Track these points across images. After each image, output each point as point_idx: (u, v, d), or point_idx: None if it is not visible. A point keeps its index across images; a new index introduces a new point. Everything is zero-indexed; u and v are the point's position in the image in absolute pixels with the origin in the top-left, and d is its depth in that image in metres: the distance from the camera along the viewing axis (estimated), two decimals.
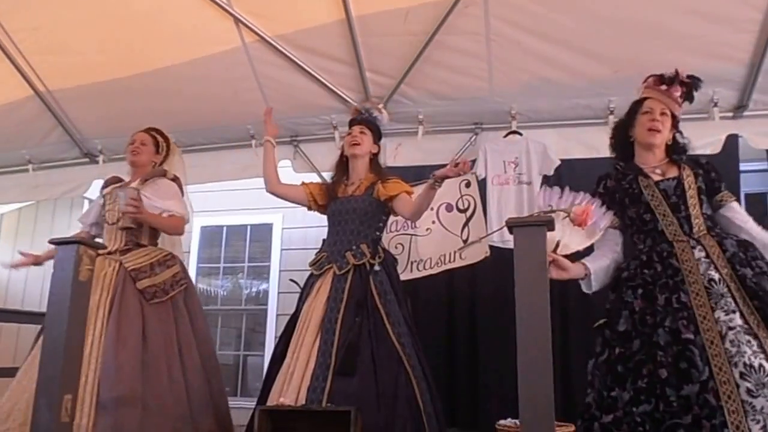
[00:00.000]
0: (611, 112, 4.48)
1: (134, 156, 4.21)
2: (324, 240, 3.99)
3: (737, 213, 3.15)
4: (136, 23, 4.51)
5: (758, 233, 3.08)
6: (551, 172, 4.57)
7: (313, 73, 4.73)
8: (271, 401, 3.36)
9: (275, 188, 4.18)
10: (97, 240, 4.14)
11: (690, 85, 3.24)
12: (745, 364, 2.58)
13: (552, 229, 2.47)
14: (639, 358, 2.76)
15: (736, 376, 2.57)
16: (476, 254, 4.53)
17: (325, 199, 4.02)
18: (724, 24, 3.95)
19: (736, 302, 2.74)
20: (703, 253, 2.91)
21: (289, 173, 5.25)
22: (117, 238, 4.02)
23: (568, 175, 4.66)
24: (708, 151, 4.21)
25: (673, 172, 3.14)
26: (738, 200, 3.25)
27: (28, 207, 7.25)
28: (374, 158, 4.06)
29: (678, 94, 3.22)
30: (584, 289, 3.12)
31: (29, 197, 6.18)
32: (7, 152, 5.71)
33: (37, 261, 4.24)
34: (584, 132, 4.61)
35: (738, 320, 2.70)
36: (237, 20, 4.48)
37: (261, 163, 5.19)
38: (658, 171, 3.17)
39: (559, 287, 3.82)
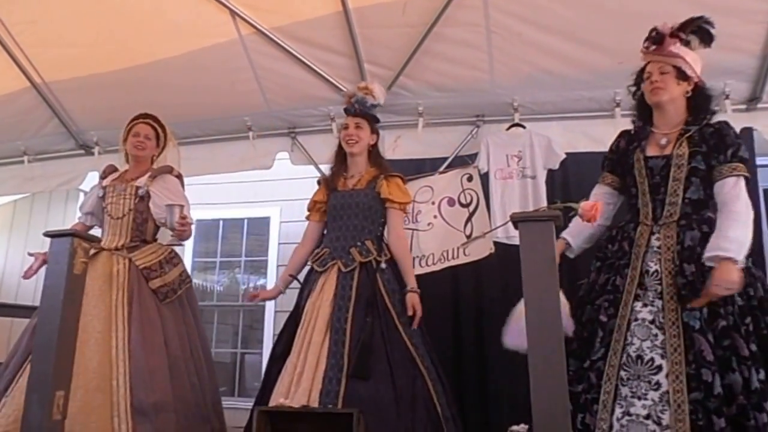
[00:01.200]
0: (617, 105, 4.39)
1: (140, 150, 4.14)
2: (323, 234, 3.88)
3: (718, 195, 2.96)
4: (133, 16, 4.47)
5: (724, 218, 2.88)
6: (557, 167, 4.46)
7: (310, 64, 4.65)
8: (275, 403, 3.22)
9: (308, 249, 3.93)
10: (95, 230, 4.13)
11: (687, 29, 3.11)
12: (628, 355, 2.81)
13: (559, 224, 2.39)
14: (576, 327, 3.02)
15: (622, 362, 2.82)
16: (480, 251, 4.42)
17: (324, 191, 3.89)
18: (733, 15, 3.83)
19: (662, 297, 2.85)
20: (658, 243, 2.97)
21: (286, 165, 5.25)
22: (122, 234, 3.97)
23: (575, 169, 4.60)
24: None
25: (671, 147, 3.06)
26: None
27: (23, 199, 7.19)
28: (374, 149, 3.91)
29: (673, 47, 3.10)
30: (568, 254, 3.30)
31: (24, 189, 6.13)
32: (3, 143, 5.65)
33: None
34: (590, 125, 4.51)
35: (647, 314, 2.85)
36: (233, 13, 4.42)
37: (257, 156, 5.21)
38: (663, 141, 3.11)
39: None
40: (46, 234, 3.01)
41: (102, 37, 4.60)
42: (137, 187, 4.04)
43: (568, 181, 4.68)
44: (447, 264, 4.49)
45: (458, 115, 4.80)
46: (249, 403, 3.43)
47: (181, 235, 3.92)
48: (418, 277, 4.14)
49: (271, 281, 6.84)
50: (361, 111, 3.87)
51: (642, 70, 3.23)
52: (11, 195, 6.57)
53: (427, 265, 4.50)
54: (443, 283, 4.70)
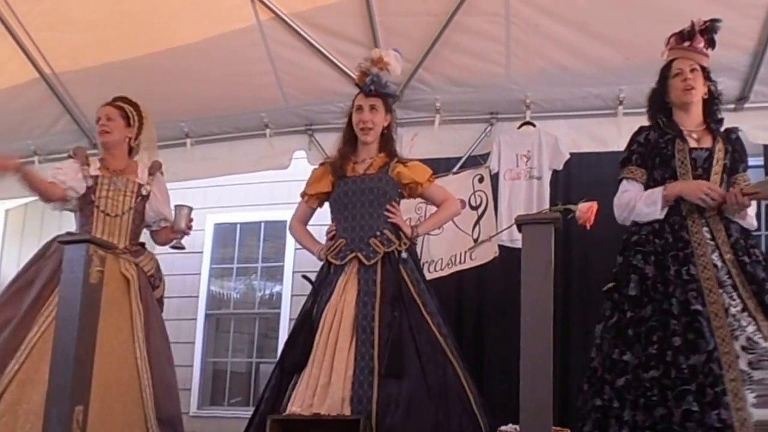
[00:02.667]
0: (621, 102, 4.66)
1: (104, 136, 4.09)
2: (332, 226, 3.86)
3: None
4: None
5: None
6: (561, 167, 4.75)
7: (328, 55, 4.89)
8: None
9: (300, 228, 4.08)
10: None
11: (710, 30, 3.44)
12: (747, 338, 2.98)
13: (558, 226, 2.69)
14: (651, 324, 3.13)
15: (737, 348, 2.98)
16: (485, 255, 4.69)
17: (329, 180, 3.88)
18: (731, 7, 4.06)
19: (735, 287, 3.09)
20: (708, 235, 3.25)
21: (302, 165, 5.43)
22: (121, 234, 4.02)
23: (577, 170, 4.90)
24: None
25: (707, 142, 3.41)
26: None
27: (34, 202, 6.86)
28: (387, 131, 3.91)
29: (702, 45, 3.45)
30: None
31: None
32: (11, 142, 5.74)
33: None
34: (594, 124, 4.77)
35: (738, 304, 3.06)
36: None
37: (275, 155, 5.42)
38: (694, 136, 3.43)
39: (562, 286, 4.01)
40: (60, 241, 3.18)
41: (114, 20, 4.78)
42: (140, 185, 4.09)
43: (571, 181, 4.98)
44: (454, 269, 4.80)
45: (473, 112, 5.08)
46: None
47: (182, 239, 4.01)
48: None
49: (287, 289, 7.13)
50: (378, 91, 3.85)
51: (666, 67, 3.51)
52: (22, 198, 6.66)
53: (435, 270, 4.79)
54: (446, 286, 4.94)
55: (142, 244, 4.18)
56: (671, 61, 3.50)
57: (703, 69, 3.45)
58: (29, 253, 4.31)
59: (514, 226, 2.77)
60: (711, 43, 3.48)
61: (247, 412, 4.87)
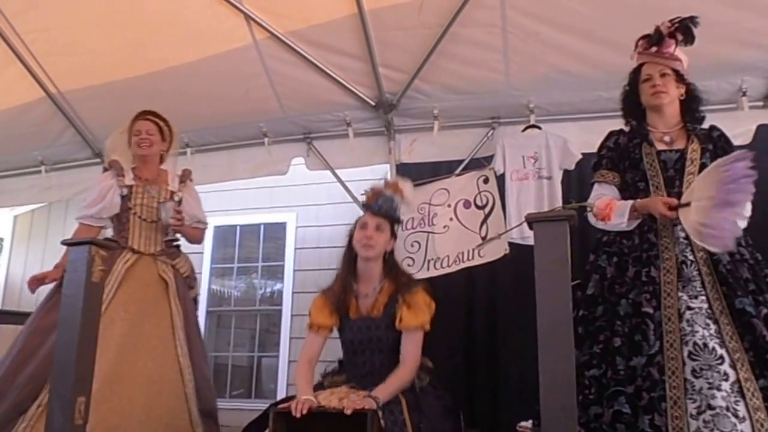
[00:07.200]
0: None
1: (146, 149, 4.02)
2: (341, 361, 3.39)
3: None
4: (147, 21, 4.52)
5: None
6: (572, 167, 4.50)
7: (325, 69, 4.70)
8: None
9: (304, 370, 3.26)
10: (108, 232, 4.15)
11: (682, 30, 3.14)
12: (695, 344, 2.72)
13: (573, 224, 2.43)
14: (599, 324, 2.95)
15: (685, 354, 2.72)
16: (495, 251, 4.46)
17: (334, 314, 3.30)
18: (751, 10, 3.86)
19: (704, 286, 2.85)
20: (683, 233, 2.98)
21: (301, 170, 5.30)
22: (157, 238, 3.96)
23: (590, 168, 4.60)
24: (738, 143, 3.89)
25: (680, 143, 3.16)
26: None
27: (40, 209, 7.30)
28: (390, 256, 3.36)
29: (671, 49, 3.17)
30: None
31: (42, 199, 6.22)
32: (20, 154, 5.74)
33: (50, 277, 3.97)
34: (607, 125, 4.30)
35: (700, 304, 2.81)
36: (247, 17, 4.47)
37: (273, 162, 5.25)
38: (666, 138, 3.18)
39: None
40: (64, 242, 3.01)
41: (115, 43, 4.68)
42: (172, 192, 4.03)
43: (584, 181, 4.58)
44: (462, 265, 4.54)
45: (473, 117, 4.84)
46: (265, 405, 3.38)
47: (181, 231, 3.96)
48: (432, 279, 4.17)
49: (288, 286, 6.97)
50: (386, 213, 3.34)
51: (636, 71, 3.29)
52: (29, 204, 6.66)
53: (441, 267, 4.55)
54: (457, 283, 4.77)
55: (178, 246, 4.11)
56: (641, 65, 3.26)
57: (676, 71, 3.18)
58: (36, 256, 4.20)
59: (525, 224, 2.50)
60: (689, 41, 3.16)
61: (250, 404, 4.66)
